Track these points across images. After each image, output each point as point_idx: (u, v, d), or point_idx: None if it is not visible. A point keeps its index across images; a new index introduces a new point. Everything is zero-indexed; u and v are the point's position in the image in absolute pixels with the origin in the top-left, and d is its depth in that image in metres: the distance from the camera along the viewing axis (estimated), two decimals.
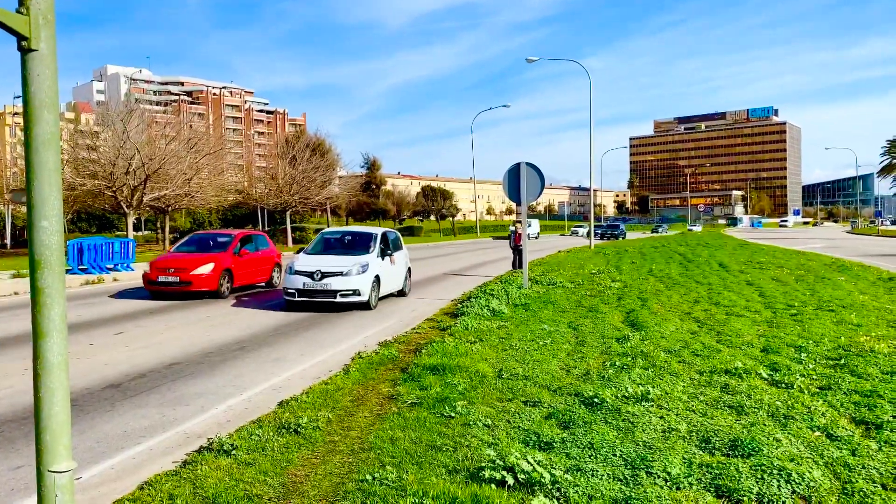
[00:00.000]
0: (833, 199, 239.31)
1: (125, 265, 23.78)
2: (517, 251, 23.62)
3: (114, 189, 34.39)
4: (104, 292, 17.41)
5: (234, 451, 5.10)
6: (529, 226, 59.42)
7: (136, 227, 58.99)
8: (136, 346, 9.98)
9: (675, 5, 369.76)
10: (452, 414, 5.88)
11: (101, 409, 6.68)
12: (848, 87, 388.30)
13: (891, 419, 5.55)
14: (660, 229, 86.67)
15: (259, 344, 10.25)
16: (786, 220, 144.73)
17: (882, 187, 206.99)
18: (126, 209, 35.29)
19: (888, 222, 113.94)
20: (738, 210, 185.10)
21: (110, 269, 23.06)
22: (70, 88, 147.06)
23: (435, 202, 75.93)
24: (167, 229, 42.67)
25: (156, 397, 7.14)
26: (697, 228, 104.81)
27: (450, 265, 28.53)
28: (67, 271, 21.06)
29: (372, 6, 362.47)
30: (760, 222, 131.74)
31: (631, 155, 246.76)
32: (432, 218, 79.89)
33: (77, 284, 19.13)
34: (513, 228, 24.83)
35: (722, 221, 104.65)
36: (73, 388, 4.00)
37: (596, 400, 6.12)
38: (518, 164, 15.97)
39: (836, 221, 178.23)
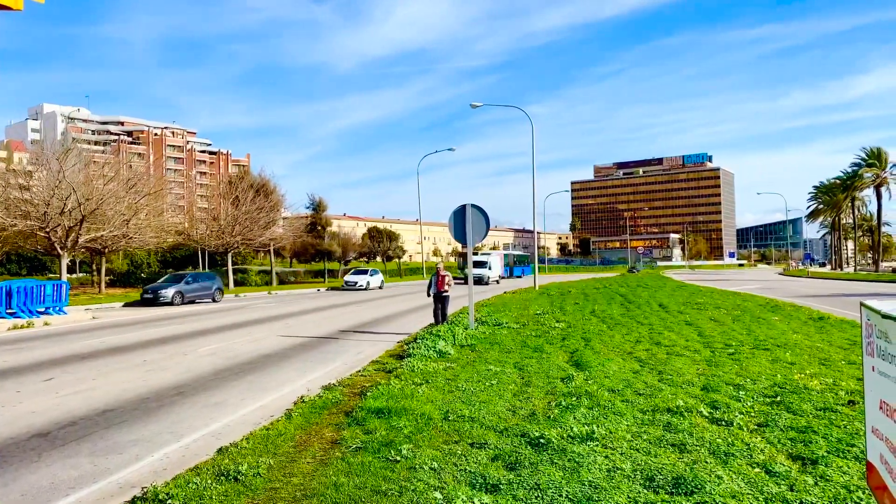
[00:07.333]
0: (766, 241, 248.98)
1: (58, 308, 22.97)
2: (440, 299, 17.57)
3: (47, 230, 33.24)
4: (34, 337, 16.67)
5: (169, 501, 4.89)
6: (491, 265, 59.24)
7: (71, 270, 56.94)
8: (66, 393, 9.54)
9: (616, 56, 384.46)
10: (398, 458, 5.79)
11: (27, 459, 6.34)
12: (776, 136, 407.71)
13: (825, 454, 5.71)
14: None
15: (198, 388, 9.93)
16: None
17: (810, 231, 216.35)
18: (60, 250, 34.10)
19: (816, 265, 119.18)
20: (677, 253, 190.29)
21: (41, 313, 22.21)
22: (3, 127, 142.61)
23: (381, 243, 75.84)
24: (103, 271, 41.33)
25: (87, 446, 6.82)
26: None
27: (374, 313, 28.34)
28: None
29: (322, 50, 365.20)
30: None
31: (573, 198, 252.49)
32: (378, 259, 79.63)
33: (4, 329, 18.30)
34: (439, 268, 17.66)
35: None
36: None
37: (542, 440, 6.12)
38: (464, 206, 16.13)
39: (768, 263, 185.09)
